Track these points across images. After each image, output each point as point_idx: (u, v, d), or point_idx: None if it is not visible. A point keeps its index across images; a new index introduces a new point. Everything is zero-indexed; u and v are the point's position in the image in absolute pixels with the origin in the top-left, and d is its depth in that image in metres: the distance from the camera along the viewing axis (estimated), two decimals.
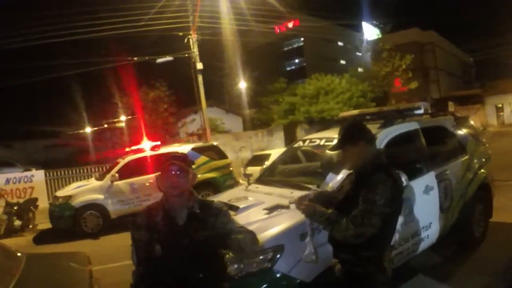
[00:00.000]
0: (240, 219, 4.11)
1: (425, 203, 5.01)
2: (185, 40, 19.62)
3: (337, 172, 4.38)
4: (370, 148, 3.05)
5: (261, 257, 3.59)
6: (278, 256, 3.62)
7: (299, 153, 6.43)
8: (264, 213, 4.18)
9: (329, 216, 2.90)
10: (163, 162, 2.74)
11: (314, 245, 3.12)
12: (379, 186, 2.77)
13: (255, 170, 13.13)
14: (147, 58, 20.74)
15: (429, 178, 5.21)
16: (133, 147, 12.64)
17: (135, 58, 20.69)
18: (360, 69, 29.80)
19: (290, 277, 3.59)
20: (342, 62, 59.44)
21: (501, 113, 48.30)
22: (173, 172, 2.67)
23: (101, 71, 25.14)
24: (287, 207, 4.05)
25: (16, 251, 4.29)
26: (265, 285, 3.59)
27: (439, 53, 59.96)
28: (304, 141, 6.21)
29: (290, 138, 25.11)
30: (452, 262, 5.84)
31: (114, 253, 8.26)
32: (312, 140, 5.93)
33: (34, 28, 18.68)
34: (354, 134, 3.04)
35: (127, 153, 12.55)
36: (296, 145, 6.47)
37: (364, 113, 6.50)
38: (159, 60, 20.22)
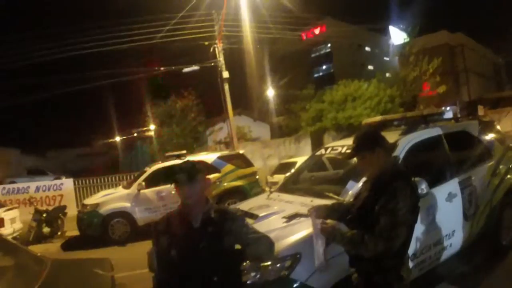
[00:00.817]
0: (259, 227, 4.12)
1: (448, 210, 4.94)
2: (211, 49, 19.77)
3: (357, 180, 4.36)
4: (387, 155, 3.04)
5: (278, 265, 3.61)
6: (296, 264, 3.63)
7: (322, 161, 6.42)
8: (283, 222, 4.21)
9: (352, 237, 2.88)
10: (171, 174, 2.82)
11: (323, 249, 3.11)
12: (399, 194, 2.74)
13: (281, 178, 13.17)
14: (173, 67, 20.97)
15: (452, 185, 5.13)
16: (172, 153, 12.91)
17: (162, 68, 20.96)
18: (387, 74, 29.51)
19: (307, 286, 3.60)
20: (370, 67, 59.04)
21: None
22: (180, 184, 2.74)
23: (131, 82, 25.57)
24: (306, 216, 4.06)
25: (42, 256, 4.42)
26: None
27: (468, 55, 58.93)
28: (326, 149, 6.20)
29: (317, 145, 24.90)
30: (479, 270, 5.71)
31: (141, 260, 8.28)
32: (334, 148, 5.92)
33: (66, 41, 19.15)
34: (370, 141, 3.03)
35: (167, 158, 12.76)
36: (318, 153, 6.46)
37: (387, 119, 6.45)
38: (185, 70, 20.36)
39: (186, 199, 2.74)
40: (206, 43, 19.73)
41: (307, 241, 3.64)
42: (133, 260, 8.53)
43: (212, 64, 19.89)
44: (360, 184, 4.24)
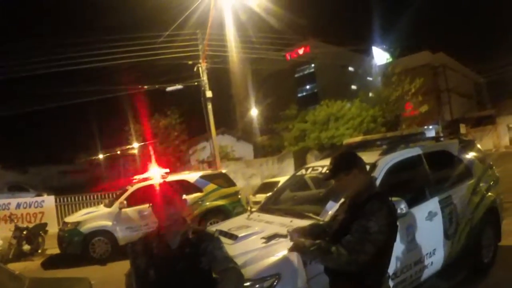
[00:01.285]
0: (238, 248, 4.12)
1: (428, 229, 4.96)
2: (195, 69, 19.83)
3: (336, 200, 4.35)
4: (363, 176, 3.04)
5: (257, 286, 3.57)
6: (275, 285, 3.59)
7: (304, 181, 6.42)
8: (262, 242, 4.17)
9: (319, 245, 2.90)
10: (151, 194, 2.82)
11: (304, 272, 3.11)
12: (373, 214, 2.76)
13: (264, 198, 13.20)
14: (157, 86, 20.91)
15: (432, 204, 5.16)
16: (140, 176, 12.62)
17: (146, 86, 20.90)
18: (370, 94, 29.87)
19: None
20: (354, 87, 59.60)
21: None
22: (161, 206, 2.75)
23: (115, 99, 25.47)
24: (285, 236, 4.06)
25: (19, 275, 4.36)
26: None
27: (450, 75, 59.91)
28: (307, 169, 6.22)
29: (300, 165, 25.01)
30: None
31: (122, 280, 8.19)
32: (315, 168, 5.94)
33: (49, 56, 19.01)
34: (347, 162, 3.04)
35: (135, 181, 12.55)
36: (299, 173, 6.47)
37: (368, 139, 6.52)
38: (169, 89, 20.40)
39: (164, 221, 2.74)
40: (190, 62, 19.79)
41: (286, 261, 3.63)
42: (114, 280, 8.42)
43: (196, 83, 19.93)
44: (339, 204, 4.25)
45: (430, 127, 6.61)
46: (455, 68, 63.73)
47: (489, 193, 6.34)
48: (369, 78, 41.44)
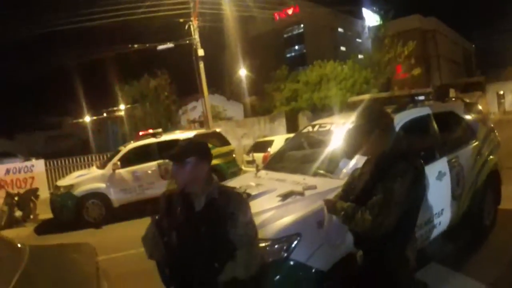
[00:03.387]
0: (253, 207, 3.99)
1: (438, 189, 4.88)
2: (186, 27, 19.45)
3: (350, 157, 4.22)
4: (386, 135, 2.84)
5: (276, 246, 3.45)
6: (296, 245, 3.47)
7: (309, 139, 6.29)
8: (278, 200, 4.04)
9: (346, 211, 2.79)
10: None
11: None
12: (400, 175, 2.63)
13: (257, 157, 13.06)
14: (147, 45, 20.53)
15: (441, 164, 5.08)
16: (149, 131, 12.64)
17: (136, 46, 20.49)
18: (360, 56, 29.67)
19: (306, 266, 3.44)
20: (342, 48, 59.28)
21: (502, 101, 48.04)
22: (173, 167, 2.62)
23: (102, 60, 25.02)
24: (301, 194, 3.95)
25: (19, 244, 4.17)
26: (278, 276, 3.41)
27: (440, 40, 59.86)
28: (313, 126, 6.06)
29: (292, 125, 25.13)
30: (464, 250, 5.72)
31: (118, 243, 8.17)
32: (322, 125, 5.79)
33: (35, 17, 18.57)
34: (369, 121, 2.86)
35: (140, 136, 12.48)
36: (305, 130, 6.33)
37: (375, 97, 6.40)
38: (160, 47, 20.04)
39: (179, 184, 2.60)
40: (182, 20, 19.39)
41: (306, 220, 3.52)
42: (110, 243, 8.37)
43: (187, 41, 19.58)
44: (353, 162, 4.13)
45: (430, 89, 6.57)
46: (445, 33, 63.59)
47: (491, 156, 6.29)
48: (359, 40, 41.13)
